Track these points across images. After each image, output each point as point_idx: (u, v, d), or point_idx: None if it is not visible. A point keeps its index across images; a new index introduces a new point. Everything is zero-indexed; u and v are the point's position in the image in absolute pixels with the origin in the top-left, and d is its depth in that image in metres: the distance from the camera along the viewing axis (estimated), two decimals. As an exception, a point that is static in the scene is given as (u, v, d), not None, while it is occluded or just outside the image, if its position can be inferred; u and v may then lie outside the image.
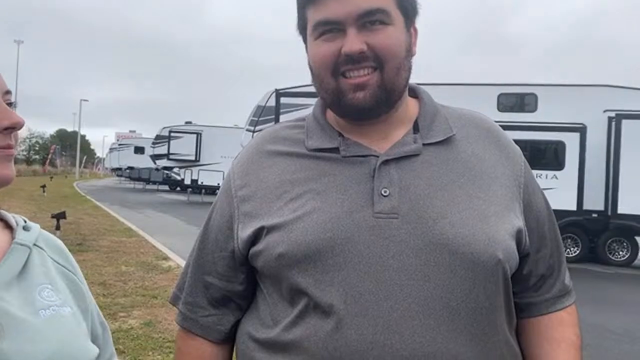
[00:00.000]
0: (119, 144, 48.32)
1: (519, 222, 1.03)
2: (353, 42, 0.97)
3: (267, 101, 14.89)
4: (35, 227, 0.94)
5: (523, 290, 1.09)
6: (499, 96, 12.73)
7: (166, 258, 9.77)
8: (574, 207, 11.52)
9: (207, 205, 22.56)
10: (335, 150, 1.05)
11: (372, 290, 0.93)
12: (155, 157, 31.44)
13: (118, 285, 7.38)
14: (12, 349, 0.76)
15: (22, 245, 0.88)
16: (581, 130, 11.70)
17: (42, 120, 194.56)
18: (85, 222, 14.86)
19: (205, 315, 1.12)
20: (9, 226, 0.92)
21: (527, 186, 1.08)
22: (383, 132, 1.06)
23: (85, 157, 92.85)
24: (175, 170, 31.54)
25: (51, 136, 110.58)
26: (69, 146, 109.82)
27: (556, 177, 11.61)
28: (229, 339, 1.13)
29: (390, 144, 1.04)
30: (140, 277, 7.96)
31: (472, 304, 0.95)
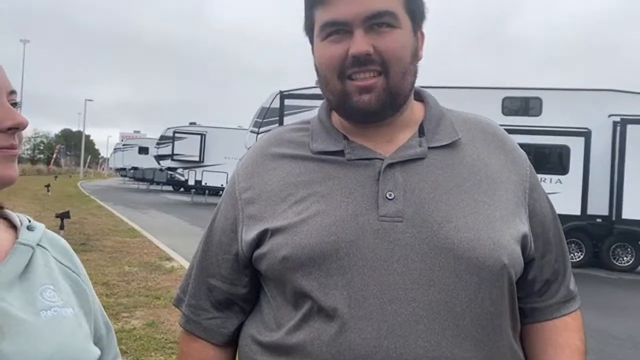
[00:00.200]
0: (123, 144, 48.34)
1: (524, 227, 1.02)
2: (360, 43, 0.97)
3: (271, 103, 14.89)
4: (39, 227, 0.94)
5: (528, 296, 1.08)
6: (504, 100, 12.70)
7: (169, 259, 9.77)
8: (578, 212, 11.48)
9: (210, 206, 22.58)
10: (340, 153, 1.04)
11: (377, 294, 0.93)
12: (159, 158, 31.44)
13: (121, 285, 7.39)
14: (11, 349, 0.76)
15: (25, 245, 0.88)
16: (586, 134, 11.66)
17: (47, 119, 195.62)
18: (89, 221, 14.89)
19: (209, 317, 1.11)
20: (13, 226, 0.91)
21: (532, 191, 1.07)
22: (388, 135, 1.05)
23: (89, 157, 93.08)
24: (179, 170, 31.53)
25: (56, 136, 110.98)
26: (73, 146, 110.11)
27: (560, 182, 11.57)
28: (232, 342, 1.12)
29: (395, 147, 1.04)
30: (144, 278, 7.96)
31: (477, 309, 0.95)
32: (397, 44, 0.99)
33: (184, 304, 1.14)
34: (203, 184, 29.60)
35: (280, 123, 13.59)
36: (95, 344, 0.92)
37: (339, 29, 0.99)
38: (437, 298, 0.93)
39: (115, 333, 1.05)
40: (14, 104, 0.88)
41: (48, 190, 25.97)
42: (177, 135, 29.94)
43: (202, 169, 29.64)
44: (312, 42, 1.07)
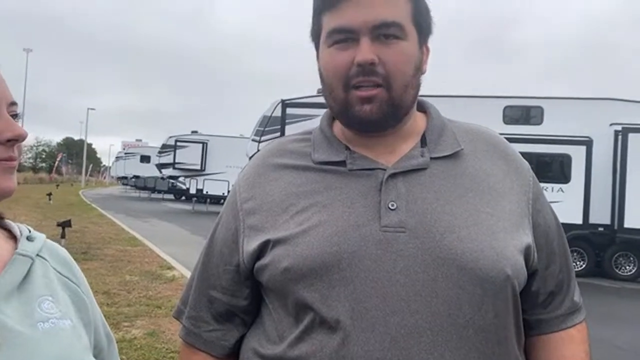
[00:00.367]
0: (125, 153, 48.46)
1: (527, 238, 1.02)
2: (366, 51, 0.97)
3: (273, 111, 14.91)
4: (39, 237, 0.93)
5: (532, 308, 1.07)
6: (505, 109, 12.72)
7: (170, 268, 9.75)
8: (579, 221, 11.46)
9: (211, 214, 22.57)
10: (342, 163, 1.04)
11: (379, 306, 0.92)
12: (161, 166, 31.51)
13: (122, 294, 7.37)
14: None
15: (24, 255, 0.87)
16: (587, 143, 11.67)
17: (49, 128, 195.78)
18: (91, 230, 14.88)
19: (209, 330, 1.10)
20: (13, 236, 0.91)
21: (535, 202, 1.06)
22: (390, 146, 1.05)
23: (91, 166, 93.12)
24: (181, 179, 31.59)
25: (58, 144, 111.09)
26: (75, 154, 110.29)
27: (562, 191, 11.55)
28: (232, 355, 1.11)
29: (397, 158, 1.03)
30: (145, 287, 7.94)
31: (481, 321, 0.94)
32: (402, 56, 0.99)
33: (184, 316, 1.13)
34: (204, 192, 29.63)
35: (282, 132, 13.62)
36: (96, 356, 0.91)
37: (346, 37, 0.99)
38: (441, 309, 0.92)
39: (116, 343, 1.05)
40: (15, 116, 0.88)
41: (50, 199, 26.00)
42: (178, 143, 30.00)
43: (203, 177, 29.68)
44: (317, 48, 1.07)
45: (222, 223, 1.12)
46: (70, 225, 10.88)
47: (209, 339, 1.10)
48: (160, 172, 32.80)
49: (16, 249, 0.88)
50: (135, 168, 43.20)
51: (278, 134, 13.50)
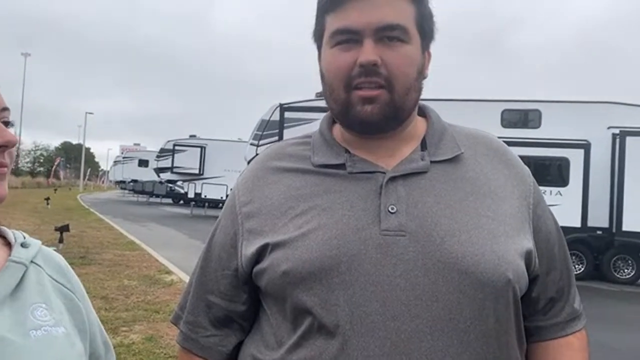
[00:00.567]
0: (123, 157, 48.41)
1: (528, 243, 1.01)
2: (369, 52, 0.96)
3: (271, 115, 14.90)
4: (35, 244, 0.92)
5: (532, 314, 1.07)
6: (503, 112, 12.72)
7: (169, 272, 9.73)
8: (578, 224, 11.45)
9: (210, 218, 22.53)
10: (342, 166, 1.04)
11: (379, 310, 0.91)
12: (159, 170, 31.45)
13: (120, 299, 7.34)
14: None
15: (17, 262, 0.86)
16: (585, 146, 11.67)
17: (47, 132, 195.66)
18: (89, 235, 14.84)
19: (207, 335, 1.09)
20: (8, 243, 0.90)
21: (536, 207, 1.06)
22: (390, 149, 1.04)
23: (89, 170, 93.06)
24: (179, 183, 31.53)
25: (56, 148, 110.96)
26: (73, 159, 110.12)
27: (560, 194, 11.55)
28: None
29: (397, 161, 1.03)
30: (143, 291, 7.92)
31: (482, 326, 0.93)
32: (405, 59, 0.99)
33: (182, 321, 1.12)
34: (203, 196, 29.57)
35: (280, 135, 13.61)
36: None
37: (349, 38, 0.99)
38: (441, 314, 0.91)
39: (114, 348, 1.04)
40: (7, 123, 0.87)
41: (47, 203, 25.91)
42: (177, 147, 29.96)
43: (201, 181, 29.63)
44: (319, 49, 1.07)
45: (220, 227, 1.11)
46: (68, 230, 10.85)
47: (206, 345, 1.09)
48: (159, 176, 32.75)
49: (10, 256, 0.87)
50: (133, 172, 43.12)
51: (276, 137, 13.48)
